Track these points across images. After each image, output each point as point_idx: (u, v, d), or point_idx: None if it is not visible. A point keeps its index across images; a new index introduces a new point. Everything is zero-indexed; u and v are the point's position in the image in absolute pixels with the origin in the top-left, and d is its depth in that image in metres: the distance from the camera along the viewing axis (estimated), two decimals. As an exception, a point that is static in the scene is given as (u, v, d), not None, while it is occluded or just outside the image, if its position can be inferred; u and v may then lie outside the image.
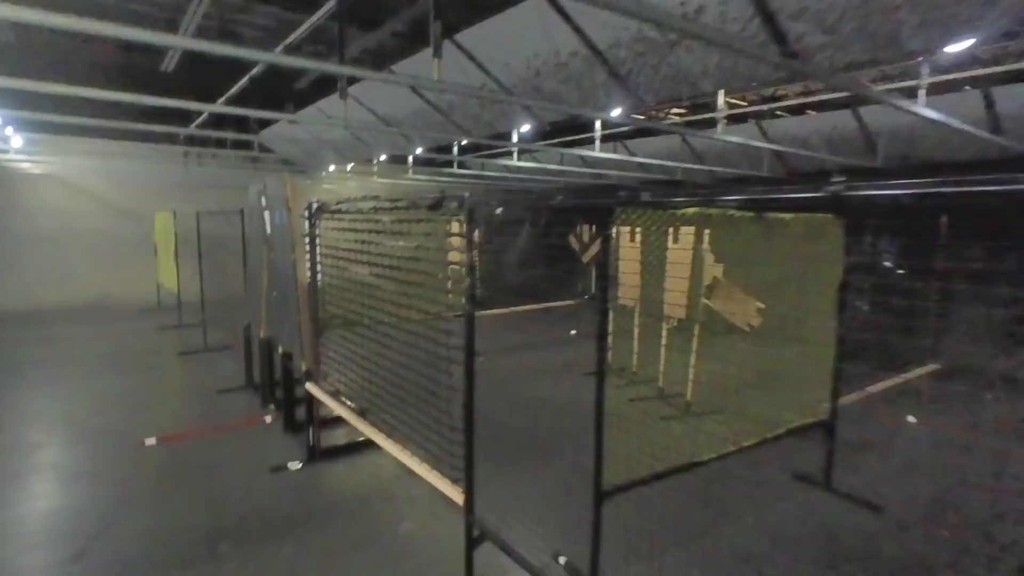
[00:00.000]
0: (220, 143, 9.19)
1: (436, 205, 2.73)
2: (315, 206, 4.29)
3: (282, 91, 9.84)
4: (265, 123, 9.70)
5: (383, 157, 10.09)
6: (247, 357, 6.51)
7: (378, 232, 3.68)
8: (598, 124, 7.08)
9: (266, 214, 5.34)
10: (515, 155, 7.91)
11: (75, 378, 6.99)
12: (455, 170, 9.06)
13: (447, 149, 8.75)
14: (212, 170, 10.36)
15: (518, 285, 11.97)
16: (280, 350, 5.15)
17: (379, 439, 3.49)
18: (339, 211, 4.02)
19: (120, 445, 4.96)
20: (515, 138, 7.87)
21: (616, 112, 5.67)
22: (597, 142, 7.09)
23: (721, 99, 5.81)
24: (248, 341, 6.46)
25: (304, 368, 4.57)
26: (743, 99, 9.49)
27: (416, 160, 9.83)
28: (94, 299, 11.86)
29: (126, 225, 12.46)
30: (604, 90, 5.81)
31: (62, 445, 5.04)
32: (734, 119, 9.00)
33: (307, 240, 4.36)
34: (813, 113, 9.41)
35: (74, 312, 11.25)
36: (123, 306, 11.83)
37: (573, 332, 10.07)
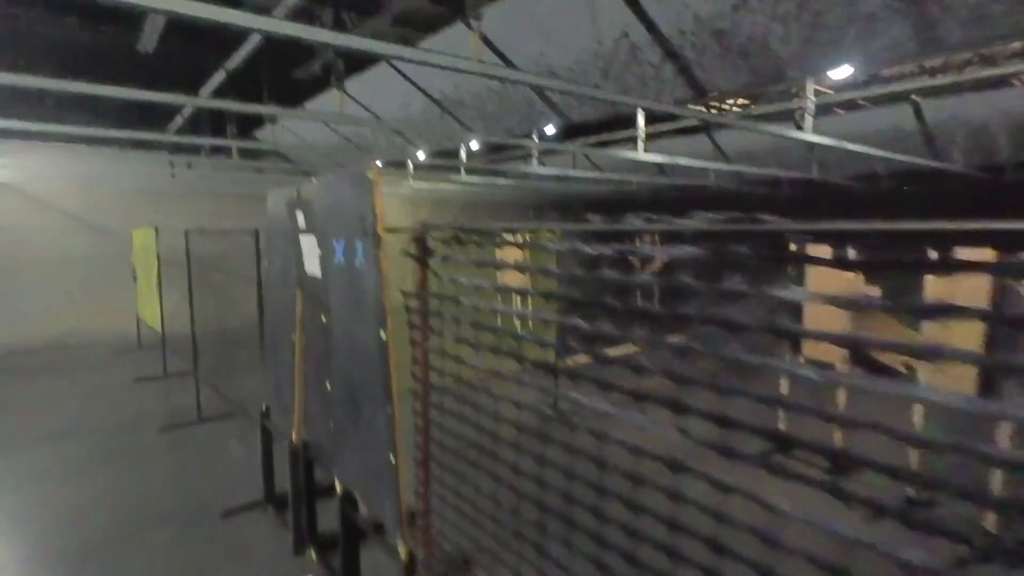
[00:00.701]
0: (217, 131, 6.93)
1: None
2: (436, 232, 2.02)
3: (284, 78, 7.70)
4: (261, 118, 7.44)
5: (421, 156, 7.88)
6: (265, 460, 4.20)
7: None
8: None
9: (305, 241, 3.07)
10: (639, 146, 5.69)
11: (4, 486, 4.66)
12: (533, 168, 6.77)
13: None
14: (205, 174, 8.06)
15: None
16: (338, 487, 2.85)
17: None
18: (508, 241, 1.75)
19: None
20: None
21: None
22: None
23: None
24: (267, 434, 4.16)
25: (403, 552, 2.28)
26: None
27: (471, 155, 7.56)
28: (56, 338, 9.48)
29: (97, 245, 10.09)
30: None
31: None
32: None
33: (417, 301, 2.08)
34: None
35: (29, 357, 8.87)
36: (93, 346, 9.47)
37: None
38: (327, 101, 6.58)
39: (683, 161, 6.41)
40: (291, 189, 3.49)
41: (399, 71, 6.06)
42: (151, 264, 7.82)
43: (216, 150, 6.87)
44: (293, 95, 6.93)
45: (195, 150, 7.07)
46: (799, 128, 4.55)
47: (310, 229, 2.98)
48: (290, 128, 7.97)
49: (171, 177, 9.27)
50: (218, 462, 5.02)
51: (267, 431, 4.15)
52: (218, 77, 5.18)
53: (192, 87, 5.91)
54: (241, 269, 9.36)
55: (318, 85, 6.86)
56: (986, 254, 3.24)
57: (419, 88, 6.23)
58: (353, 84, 6.44)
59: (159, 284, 7.45)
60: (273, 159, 8.47)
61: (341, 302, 2.57)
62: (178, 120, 6.47)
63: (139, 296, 9.09)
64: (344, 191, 2.39)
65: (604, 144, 6.60)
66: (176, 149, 7.36)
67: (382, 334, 2.18)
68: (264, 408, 4.12)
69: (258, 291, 4.11)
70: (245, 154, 7.20)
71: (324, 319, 2.78)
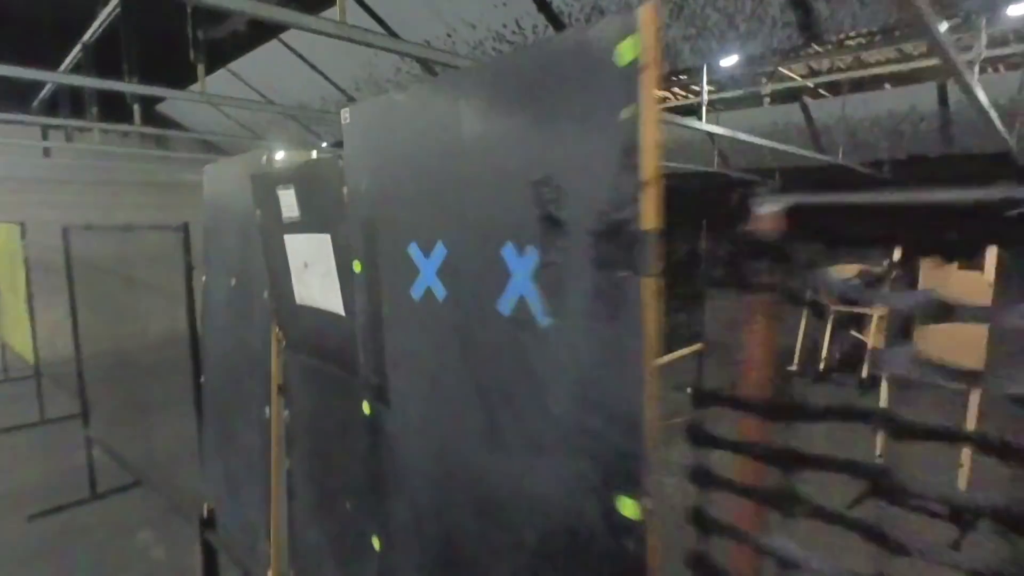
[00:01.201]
0: (114, 114, 5.05)
1: None
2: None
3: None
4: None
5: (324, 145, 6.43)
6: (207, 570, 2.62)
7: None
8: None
9: (297, 244, 1.59)
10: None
11: None
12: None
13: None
14: (89, 151, 6.11)
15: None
16: None
17: None
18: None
19: None
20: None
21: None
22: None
23: None
24: (209, 552, 2.59)
25: None
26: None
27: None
28: None
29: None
30: None
31: None
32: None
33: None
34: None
35: None
36: (-62, 381, 7.15)
37: (689, 391, 6.81)
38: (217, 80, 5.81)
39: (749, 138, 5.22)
40: (256, 154, 1.98)
41: (295, 51, 4.82)
42: (17, 272, 5.85)
43: (106, 118, 5.00)
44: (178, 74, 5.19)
45: (79, 116, 5.17)
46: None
47: (311, 225, 1.52)
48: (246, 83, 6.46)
49: (44, 158, 7.19)
50: (129, 569, 3.34)
51: (209, 547, 2.58)
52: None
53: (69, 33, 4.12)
54: (148, 276, 7.39)
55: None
56: None
57: (319, 72, 5.06)
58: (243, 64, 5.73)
59: (28, 298, 5.57)
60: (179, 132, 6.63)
61: (437, 387, 1.14)
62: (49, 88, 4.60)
63: (2, 314, 6.95)
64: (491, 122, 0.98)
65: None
66: (50, 110, 5.42)
67: (634, 510, 0.80)
68: (204, 512, 2.55)
69: (189, 322, 2.53)
70: (149, 120, 5.37)
71: (367, 409, 1.33)
